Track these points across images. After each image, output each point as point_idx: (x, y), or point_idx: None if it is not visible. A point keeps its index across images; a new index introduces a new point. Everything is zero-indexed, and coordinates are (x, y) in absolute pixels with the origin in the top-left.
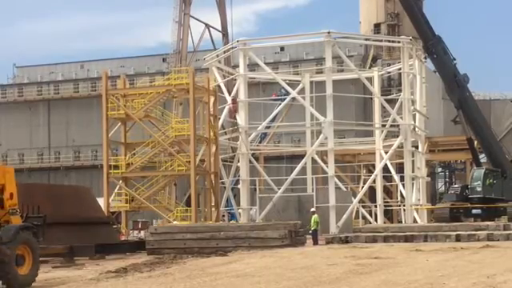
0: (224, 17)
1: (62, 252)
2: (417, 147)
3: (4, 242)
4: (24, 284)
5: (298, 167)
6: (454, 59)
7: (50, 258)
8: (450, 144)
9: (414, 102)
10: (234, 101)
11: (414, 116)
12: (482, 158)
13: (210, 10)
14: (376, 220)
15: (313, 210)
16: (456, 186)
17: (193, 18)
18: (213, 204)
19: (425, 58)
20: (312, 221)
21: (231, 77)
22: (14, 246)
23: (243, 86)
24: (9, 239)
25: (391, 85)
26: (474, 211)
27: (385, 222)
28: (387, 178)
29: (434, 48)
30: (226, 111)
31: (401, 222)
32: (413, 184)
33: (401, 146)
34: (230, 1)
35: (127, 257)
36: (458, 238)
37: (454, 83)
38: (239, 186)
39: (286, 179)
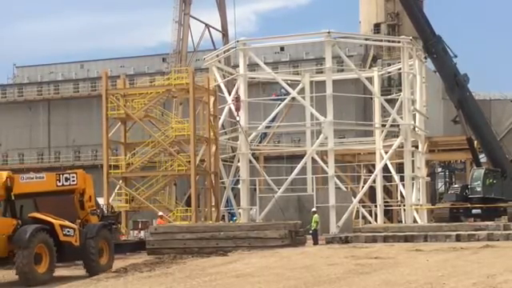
0: (224, 17)
1: None
2: (417, 147)
3: (89, 238)
4: (103, 271)
5: (298, 167)
6: (456, 56)
7: None
8: (450, 144)
9: (414, 102)
10: (237, 99)
11: (414, 116)
12: (482, 157)
13: (210, 10)
14: (376, 220)
15: (313, 209)
16: (456, 186)
17: (193, 17)
18: (213, 204)
19: (425, 57)
20: (312, 221)
21: (231, 77)
22: (97, 241)
23: (243, 85)
24: (93, 235)
25: (391, 85)
26: (473, 211)
27: (385, 222)
28: (387, 177)
29: (434, 48)
30: (226, 111)
31: (401, 222)
32: (413, 184)
33: (401, 146)
34: (233, 0)
35: (127, 257)
36: (458, 238)
37: (454, 83)
38: (239, 186)
39: (286, 179)
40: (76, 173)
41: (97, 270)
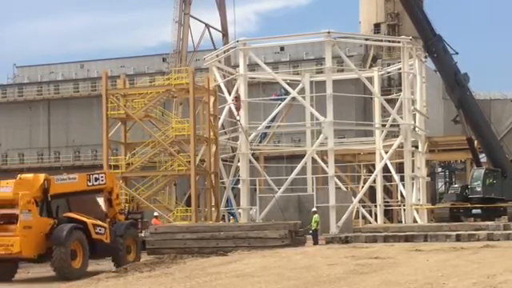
0: (224, 17)
1: None
2: (417, 147)
3: (119, 235)
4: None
5: (298, 167)
6: (457, 53)
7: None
8: (450, 144)
9: (414, 102)
10: (237, 99)
11: (414, 116)
12: (482, 157)
13: (210, 10)
14: (376, 220)
15: (313, 209)
16: (456, 186)
17: (193, 17)
18: (213, 204)
19: (425, 57)
20: (312, 221)
21: (231, 77)
22: (125, 239)
23: (243, 85)
24: (121, 233)
25: (391, 85)
26: (474, 211)
27: (385, 222)
28: (387, 177)
29: (434, 47)
30: (226, 111)
31: (401, 222)
32: (413, 184)
33: (401, 146)
34: (233, 0)
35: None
36: (458, 238)
37: (454, 82)
38: (239, 186)
39: (286, 179)
40: (104, 173)
41: (124, 265)
